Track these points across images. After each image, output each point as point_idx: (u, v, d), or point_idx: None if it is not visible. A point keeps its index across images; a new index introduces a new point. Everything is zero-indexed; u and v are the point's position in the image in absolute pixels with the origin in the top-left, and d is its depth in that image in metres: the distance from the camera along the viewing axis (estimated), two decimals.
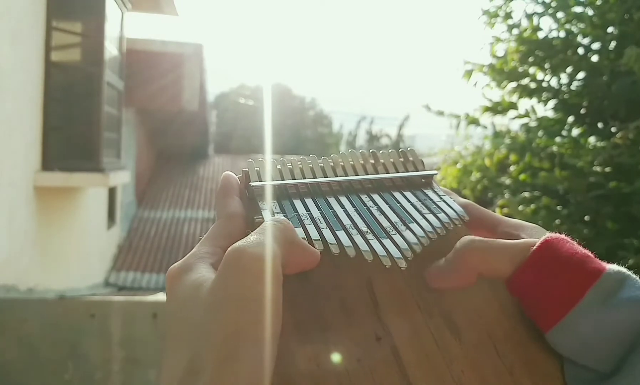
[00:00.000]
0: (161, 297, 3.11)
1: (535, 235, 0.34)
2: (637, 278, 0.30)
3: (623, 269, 0.30)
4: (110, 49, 4.37)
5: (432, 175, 0.41)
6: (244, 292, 0.26)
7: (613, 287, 0.29)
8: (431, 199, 0.38)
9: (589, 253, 0.31)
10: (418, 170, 0.41)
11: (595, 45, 3.66)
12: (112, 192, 5.90)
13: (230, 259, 0.27)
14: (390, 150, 0.41)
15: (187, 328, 0.27)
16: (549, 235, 0.32)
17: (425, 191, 0.39)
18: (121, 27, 4.77)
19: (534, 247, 0.31)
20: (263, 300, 0.25)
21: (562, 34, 3.75)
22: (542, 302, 0.31)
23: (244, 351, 0.24)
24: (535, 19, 3.72)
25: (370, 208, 0.36)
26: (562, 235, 0.32)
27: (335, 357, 0.30)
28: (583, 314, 0.29)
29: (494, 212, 0.39)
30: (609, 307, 0.29)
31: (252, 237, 0.28)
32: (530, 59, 3.76)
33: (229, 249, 0.27)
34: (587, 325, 0.29)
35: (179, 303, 0.29)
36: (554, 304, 0.30)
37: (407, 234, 0.34)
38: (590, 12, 3.61)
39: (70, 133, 4.00)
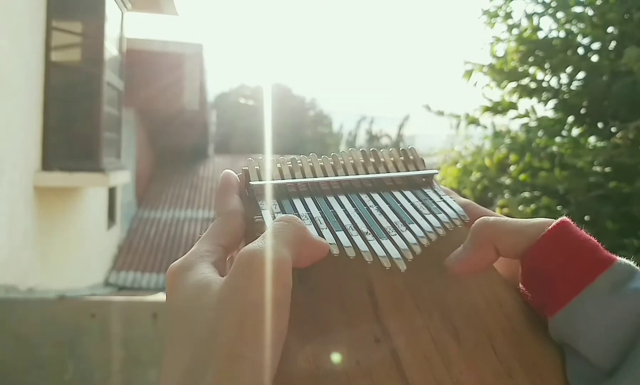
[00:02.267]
0: (161, 297, 3.11)
1: None
2: None
3: (632, 263, 0.31)
4: (110, 49, 4.37)
5: (433, 174, 0.40)
6: (251, 296, 0.26)
7: (623, 277, 0.30)
8: (431, 199, 0.38)
9: (599, 244, 0.31)
10: (418, 170, 0.41)
11: (595, 45, 3.67)
12: (112, 192, 5.90)
13: (241, 262, 0.27)
14: (390, 149, 0.41)
15: (190, 327, 0.27)
16: (564, 217, 0.32)
17: (426, 191, 0.39)
18: (121, 27, 4.77)
19: (552, 225, 0.32)
20: (270, 305, 0.26)
21: (562, 34, 3.75)
22: (552, 283, 0.31)
23: (248, 353, 0.25)
24: (535, 19, 3.72)
25: (370, 208, 0.36)
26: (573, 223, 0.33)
27: (334, 358, 0.30)
28: (591, 298, 0.30)
29: (494, 212, 0.39)
30: (616, 296, 0.29)
31: (262, 240, 0.28)
32: (530, 59, 3.76)
33: (240, 252, 0.28)
34: (592, 312, 0.29)
35: (182, 302, 0.29)
36: (562, 287, 0.31)
37: (407, 235, 0.34)
38: (590, 12, 3.61)
39: (70, 133, 4.00)
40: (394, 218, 0.36)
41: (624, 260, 0.31)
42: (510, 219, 0.33)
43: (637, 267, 0.31)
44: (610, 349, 0.29)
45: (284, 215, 0.31)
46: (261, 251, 0.27)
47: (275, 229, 0.29)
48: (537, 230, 0.32)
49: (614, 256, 0.31)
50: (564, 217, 0.32)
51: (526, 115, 3.89)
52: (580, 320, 0.30)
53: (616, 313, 0.29)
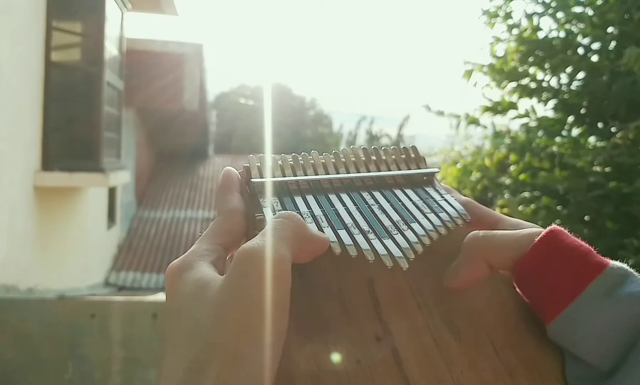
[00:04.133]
0: (161, 297, 3.10)
1: None
2: (639, 275, 0.30)
3: (625, 266, 0.31)
4: (110, 49, 4.37)
5: (434, 173, 0.40)
6: (251, 294, 0.26)
7: (616, 282, 0.30)
8: (433, 198, 0.38)
9: (592, 248, 0.31)
10: (420, 168, 0.41)
11: (595, 45, 3.66)
12: (112, 192, 5.89)
13: (239, 260, 0.27)
14: (392, 147, 0.41)
15: (190, 327, 0.27)
16: (553, 226, 0.32)
17: (427, 189, 0.39)
18: (121, 27, 4.76)
19: (540, 236, 0.32)
20: (269, 302, 0.26)
21: (562, 34, 3.74)
22: (546, 292, 0.31)
23: (249, 352, 0.25)
24: (535, 19, 3.72)
25: (372, 206, 0.36)
26: (564, 230, 0.32)
27: (335, 357, 0.30)
28: (585, 305, 0.29)
29: (494, 211, 0.39)
30: (611, 301, 0.29)
31: (261, 237, 0.28)
32: (530, 59, 3.76)
33: (239, 250, 0.28)
34: (588, 317, 0.29)
35: (182, 301, 0.29)
36: (557, 295, 0.30)
37: (409, 234, 0.34)
38: (590, 12, 3.61)
39: (70, 133, 4.00)
40: (395, 217, 0.35)
41: (616, 264, 0.30)
42: (500, 232, 0.33)
43: (631, 270, 0.30)
44: (608, 353, 0.29)
45: (283, 211, 0.31)
46: (260, 249, 0.27)
47: (274, 225, 0.29)
48: (527, 241, 0.32)
49: (607, 260, 0.31)
50: (553, 226, 0.32)
51: (526, 115, 3.89)
52: (576, 327, 0.30)
53: (611, 318, 0.29)
